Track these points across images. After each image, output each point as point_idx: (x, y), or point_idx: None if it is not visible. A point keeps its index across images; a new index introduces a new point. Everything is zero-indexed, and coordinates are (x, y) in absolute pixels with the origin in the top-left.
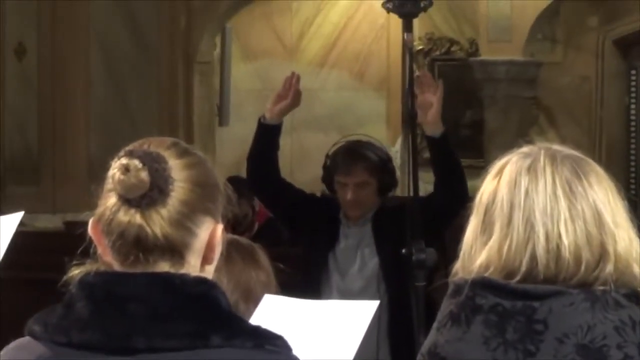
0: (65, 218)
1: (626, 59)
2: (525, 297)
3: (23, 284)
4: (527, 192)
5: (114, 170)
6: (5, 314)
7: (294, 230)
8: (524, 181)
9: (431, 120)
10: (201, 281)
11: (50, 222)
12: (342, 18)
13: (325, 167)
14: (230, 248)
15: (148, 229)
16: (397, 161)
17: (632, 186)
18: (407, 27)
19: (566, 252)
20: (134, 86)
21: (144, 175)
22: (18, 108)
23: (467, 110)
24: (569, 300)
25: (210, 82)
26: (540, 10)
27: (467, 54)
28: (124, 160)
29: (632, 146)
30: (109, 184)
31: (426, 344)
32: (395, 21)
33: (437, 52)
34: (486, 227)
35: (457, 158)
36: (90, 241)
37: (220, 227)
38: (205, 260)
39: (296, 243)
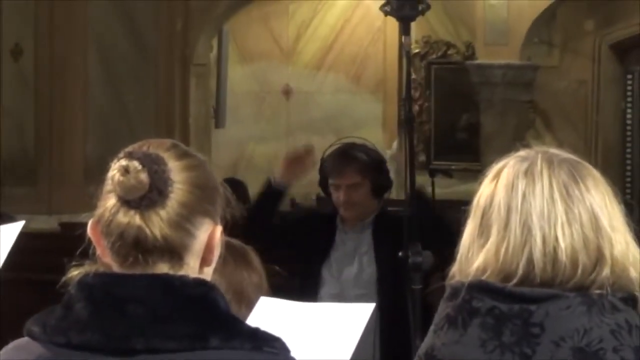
0: (61, 219)
1: (623, 64)
2: (522, 300)
3: (22, 285)
4: (524, 196)
5: (114, 171)
6: (5, 314)
7: (294, 250)
8: (521, 184)
9: None
10: (200, 283)
11: (46, 223)
12: (339, 21)
13: (320, 171)
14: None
15: (147, 230)
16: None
17: (628, 190)
18: (405, 31)
19: (563, 256)
20: (131, 87)
21: (144, 176)
22: (15, 109)
23: (463, 114)
24: (565, 304)
25: (207, 84)
26: (537, 14)
27: (464, 57)
28: (123, 162)
29: (628, 150)
30: (108, 185)
31: (423, 347)
32: (392, 24)
33: (434, 56)
34: (483, 230)
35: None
36: (89, 242)
37: (219, 229)
38: (204, 261)
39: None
